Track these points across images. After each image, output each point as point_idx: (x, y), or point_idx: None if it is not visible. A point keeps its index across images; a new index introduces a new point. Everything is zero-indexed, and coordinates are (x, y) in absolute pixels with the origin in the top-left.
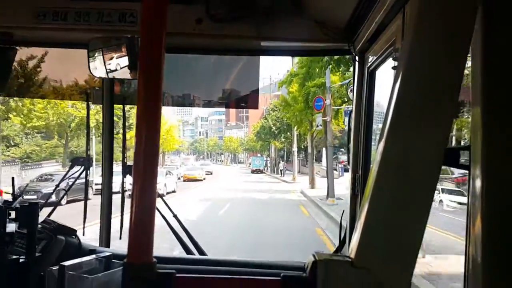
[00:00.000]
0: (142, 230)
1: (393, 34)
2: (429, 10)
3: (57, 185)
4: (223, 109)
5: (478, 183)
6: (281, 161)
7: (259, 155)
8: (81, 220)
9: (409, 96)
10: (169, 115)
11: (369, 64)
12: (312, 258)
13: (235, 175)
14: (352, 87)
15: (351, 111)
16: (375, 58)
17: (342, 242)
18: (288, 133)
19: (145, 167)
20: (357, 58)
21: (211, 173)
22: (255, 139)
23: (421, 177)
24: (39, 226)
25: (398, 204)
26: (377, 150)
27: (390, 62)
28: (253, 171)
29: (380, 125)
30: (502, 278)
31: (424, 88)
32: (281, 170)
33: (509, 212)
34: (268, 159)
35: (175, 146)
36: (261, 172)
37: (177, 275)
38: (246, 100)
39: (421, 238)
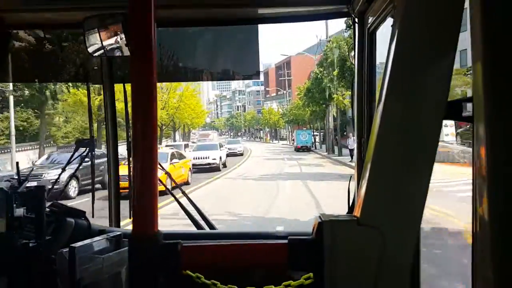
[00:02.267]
0: (145, 202)
1: None
2: None
3: (63, 169)
4: (261, 79)
5: (483, 135)
6: (351, 135)
7: (305, 128)
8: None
9: (406, 53)
10: (209, 89)
11: (369, 25)
12: (318, 219)
13: (273, 158)
14: (353, 50)
15: (353, 75)
16: (374, 18)
17: (350, 209)
18: None
19: (144, 140)
20: (356, 20)
21: (222, 165)
22: (303, 103)
23: (422, 133)
24: (47, 210)
25: (401, 160)
26: (377, 110)
27: (390, 22)
28: (297, 149)
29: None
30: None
31: (421, 43)
32: (351, 150)
33: None
34: (320, 133)
35: (201, 119)
36: (308, 150)
37: (183, 244)
38: (248, 70)
39: (425, 193)
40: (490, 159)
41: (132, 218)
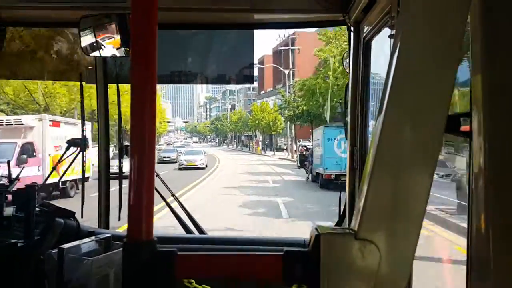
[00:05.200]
0: (141, 208)
1: (388, 2)
2: None
3: (54, 167)
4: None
5: (480, 150)
6: None
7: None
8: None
9: (409, 64)
10: (203, 90)
11: (364, 34)
12: (315, 231)
13: None
14: (347, 59)
15: (347, 83)
16: (370, 28)
17: (342, 216)
18: None
19: (142, 146)
20: (352, 28)
21: None
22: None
23: (423, 145)
24: (37, 209)
25: (400, 174)
26: (376, 120)
27: (386, 32)
28: (322, 182)
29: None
30: (510, 251)
31: (424, 55)
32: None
33: None
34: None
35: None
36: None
37: (179, 253)
38: (242, 75)
39: (424, 207)
40: (487, 174)
41: (127, 223)
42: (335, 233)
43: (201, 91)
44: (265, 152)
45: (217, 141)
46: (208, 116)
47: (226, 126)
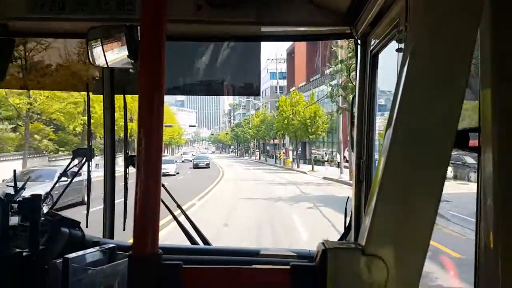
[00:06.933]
0: (147, 221)
1: (396, 16)
2: None
3: (59, 177)
4: (281, 70)
5: (489, 166)
6: None
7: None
8: None
9: (419, 78)
10: (227, 98)
11: (371, 47)
12: (322, 246)
13: None
14: (354, 72)
15: (354, 96)
16: (377, 41)
17: (347, 229)
18: None
19: (148, 158)
20: (359, 41)
21: None
22: None
23: (431, 160)
24: (42, 218)
25: (409, 189)
26: (385, 133)
27: (393, 45)
28: None
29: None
30: None
31: (433, 71)
32: None
33: None
34: None
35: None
36: None
37: (184, 266)
38: (248, 86)
39: (432, 223)
40: (496, 189)
41: (133, 236)
42: (342, 248)
43: (227, 98)
44: (297, 166)
45: (238, 151)
46: (231, 124)
47: (247, 132)
